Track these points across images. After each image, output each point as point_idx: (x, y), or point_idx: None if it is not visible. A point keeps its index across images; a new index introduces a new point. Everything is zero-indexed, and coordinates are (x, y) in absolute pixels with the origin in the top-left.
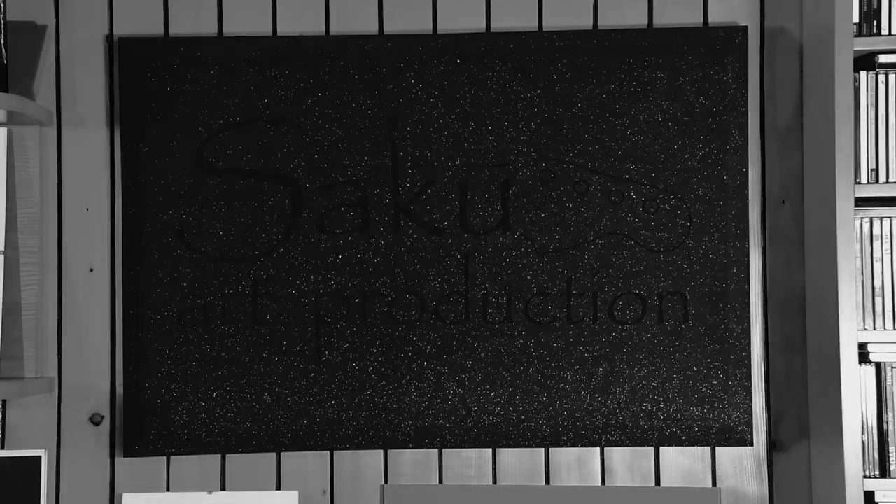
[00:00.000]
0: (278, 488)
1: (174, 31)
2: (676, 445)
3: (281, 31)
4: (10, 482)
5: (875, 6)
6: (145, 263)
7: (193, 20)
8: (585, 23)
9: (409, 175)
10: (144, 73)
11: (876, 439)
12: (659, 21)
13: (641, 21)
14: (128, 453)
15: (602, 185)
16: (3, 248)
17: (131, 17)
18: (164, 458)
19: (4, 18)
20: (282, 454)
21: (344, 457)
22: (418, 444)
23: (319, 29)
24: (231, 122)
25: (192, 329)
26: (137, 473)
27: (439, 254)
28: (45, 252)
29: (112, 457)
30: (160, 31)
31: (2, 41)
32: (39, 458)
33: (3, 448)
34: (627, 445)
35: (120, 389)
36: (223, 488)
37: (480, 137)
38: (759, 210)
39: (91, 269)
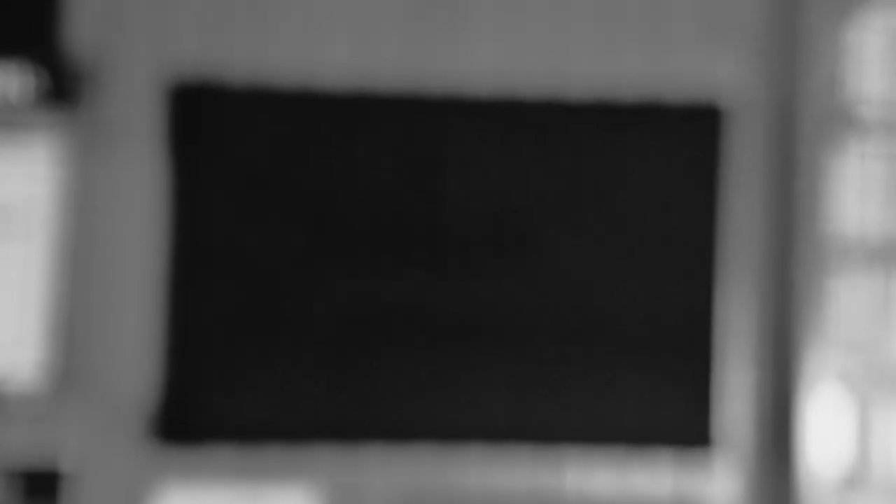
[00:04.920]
0: (305, 484)
1: (231, 63)
2: (637, 448)
3: (326, 75)
4: (43, 474)
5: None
6: (190, 267)
7: (251, 56)
8: (581, 92)
9: (439, 218)
10: (193, 108)
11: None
12: (662, 91)
13: (637, 93)
14: (165, 444)
15: (594, 234)
16: (51, 253)
17: (191, 49)
18: (203, 449)
19: (60, 47)
20: (310, 449)
21: (370, 454)
22: (439, 442)
23: (365, 80)
24: (277, 162)
25: (235, 331)
26: (175, 464)
27: (459, 284)
28: (95, 255)
29: (149, 448)
30: (219, 65)
31: (58, 67)
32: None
33: (34, 431)
34: (597, 442)
35: (159, 382)
36: (256, 481)
37: (501, 191)
38: (735, 256)
39: (136, 269)
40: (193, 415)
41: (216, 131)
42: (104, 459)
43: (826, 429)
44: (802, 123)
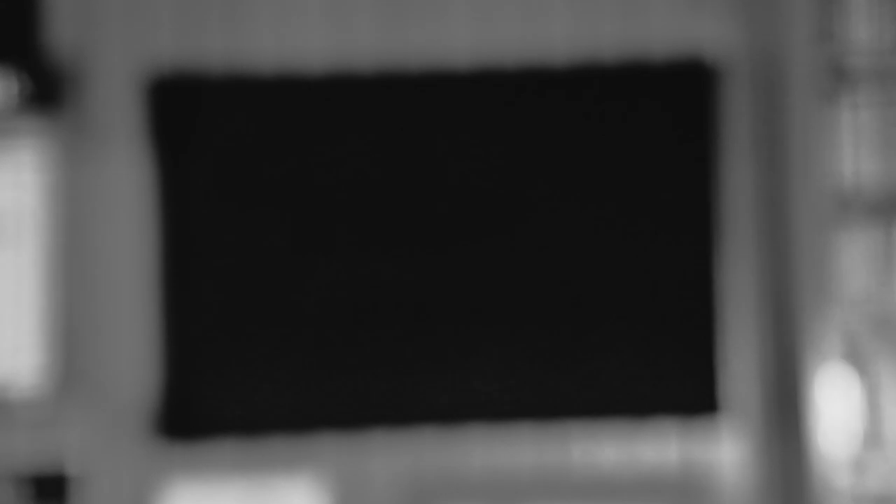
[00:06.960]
0: (310, 473)
1: (209, 54)
2: (642, 418)
3: (304, 57)
4: (50, 478)
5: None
6: (183, 262)
7: (228, 46)
8: (564, 56)
9: (427, 196)
10: (174, 102)
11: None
12: (647, 50)
13: (621, 53)
14: (169, 441)
15: (586, 202)
16: (44, 257)
17: (169, 43)
18: (207, 444)
19: (42, 50)
20: (313, 438)
21: (373, 440)
22: (441, 424)
23: (350, 62)
24: (263, 154)
25: (231, 323)
26: (181, 460)
27: (452, 262)
28: (88, 256)
29: (152, 444)
30: (197, 57)
31: (41, 71)
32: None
33: (38, 435)
34: (602, 415)
35: (160, 379)
36: (261, 473)
37: (488, 164)
38: (730, 217)
39: (130, 268)
40: (195, 410)
41: (199, 123)
42: (110, 459)
43: (834, 388)
44: (792, 76)
